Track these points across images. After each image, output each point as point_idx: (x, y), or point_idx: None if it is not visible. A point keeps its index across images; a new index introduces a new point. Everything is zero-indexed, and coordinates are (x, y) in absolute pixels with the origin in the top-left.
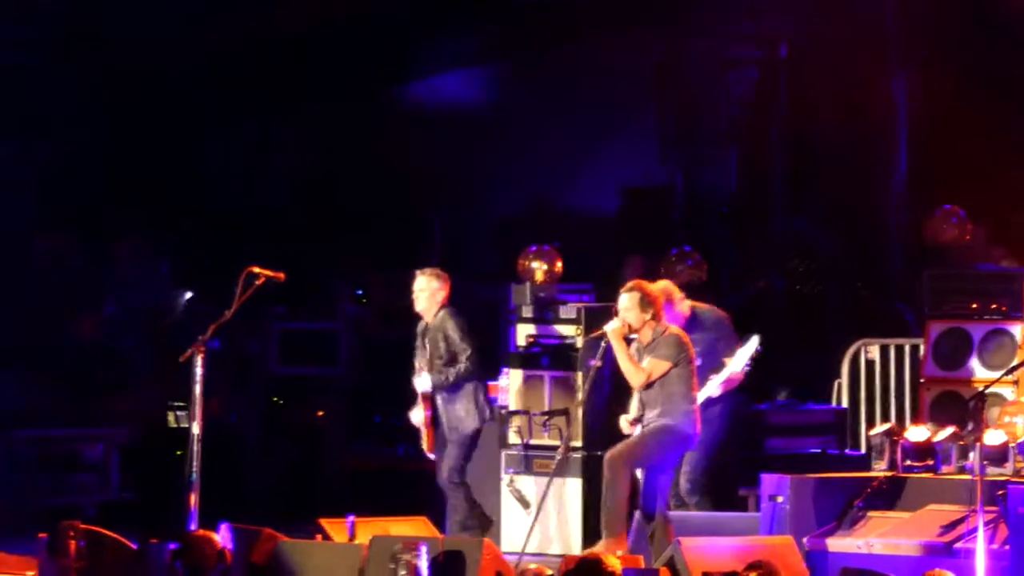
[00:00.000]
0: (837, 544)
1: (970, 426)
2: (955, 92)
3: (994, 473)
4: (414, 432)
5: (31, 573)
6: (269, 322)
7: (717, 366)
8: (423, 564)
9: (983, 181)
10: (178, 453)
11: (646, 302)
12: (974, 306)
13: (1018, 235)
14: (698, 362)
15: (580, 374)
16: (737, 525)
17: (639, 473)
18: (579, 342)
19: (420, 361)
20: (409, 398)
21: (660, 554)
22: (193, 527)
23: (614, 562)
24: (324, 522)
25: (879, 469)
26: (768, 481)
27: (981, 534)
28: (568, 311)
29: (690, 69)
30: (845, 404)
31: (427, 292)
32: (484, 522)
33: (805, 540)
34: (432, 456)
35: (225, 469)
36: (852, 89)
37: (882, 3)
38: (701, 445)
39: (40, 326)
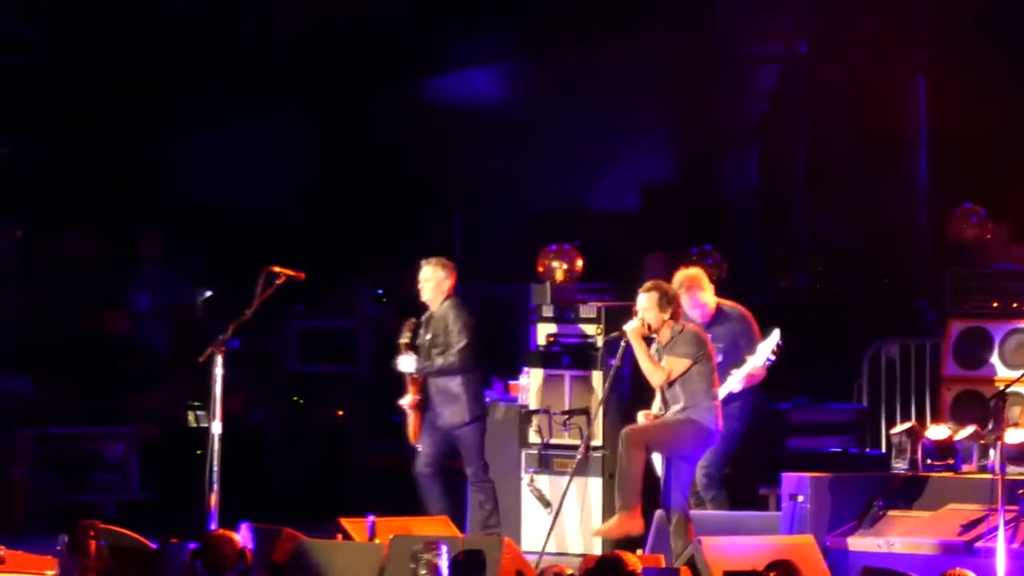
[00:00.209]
0: (857, 543)
1: (991, 425)
2: (976, 90)
3: (1015, 472)
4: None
5: (51, 572)
6: (288, 321)
7: (738, 361)
8: (443, 563)
9: (1004, 179)
10: (198, 452)
11: (665, 302)
12: (995, 305)
13: None
14: (719, 357)
15: (600, 373)
16: (757, 524)
17: (659, 470)
18: (599, 341)
19: (403, 344)
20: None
21: (680, 553)
22: (213, 526)
23: (634, 561)
24: (344, 521)
25: (900, 468)
26: (788, 480)
27: (1001, 533)
28: (588, 310)
29: (712, 67)
30: (865, 403)
31: (433, 282)
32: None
33: (826, 539)
34: (417, 445)
35: (245, 468)
36: (873, 87)
37: (903, 1)
38: (720, 440)
39: (60, 323)
